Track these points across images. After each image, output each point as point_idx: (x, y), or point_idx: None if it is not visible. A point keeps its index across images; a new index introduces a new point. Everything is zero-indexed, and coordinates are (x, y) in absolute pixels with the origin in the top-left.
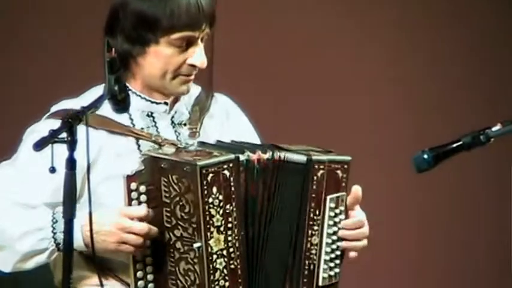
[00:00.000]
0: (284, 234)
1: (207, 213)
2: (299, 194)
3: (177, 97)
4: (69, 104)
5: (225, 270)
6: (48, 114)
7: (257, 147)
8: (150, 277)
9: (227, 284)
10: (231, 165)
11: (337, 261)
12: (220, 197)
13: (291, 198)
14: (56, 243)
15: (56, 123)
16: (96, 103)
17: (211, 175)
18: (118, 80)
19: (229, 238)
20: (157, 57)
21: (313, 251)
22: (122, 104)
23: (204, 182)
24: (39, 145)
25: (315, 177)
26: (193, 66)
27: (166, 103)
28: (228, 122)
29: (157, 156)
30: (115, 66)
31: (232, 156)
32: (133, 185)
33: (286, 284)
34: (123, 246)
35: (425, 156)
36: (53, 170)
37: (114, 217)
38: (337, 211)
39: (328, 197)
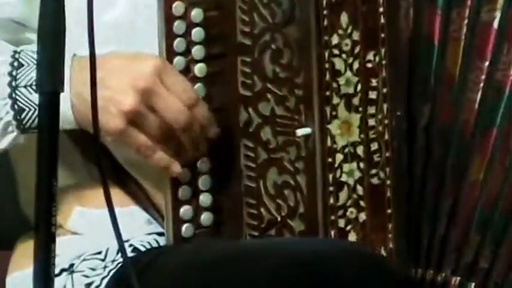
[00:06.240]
0: None
1: (326, 64)
2: None
3: None
4: None
5: (359, 188)
6: None
7: None
8: (205, 199)
9: (363, 215)
10: None
11: None
12: (355, 37)
13: None
14: (14, 112)
15: None
16: None
17: None
18: None
19: (371, 122)
20: None
21: None
22: None
23: (324, 2)
24: None
25: None
26: None
27: None
28: None
29: None
30: None
31: None
32: (177, 7)
33: None
34: (135, 133)
35: None
36: None
37: (142, 66)
38: None
39: None
